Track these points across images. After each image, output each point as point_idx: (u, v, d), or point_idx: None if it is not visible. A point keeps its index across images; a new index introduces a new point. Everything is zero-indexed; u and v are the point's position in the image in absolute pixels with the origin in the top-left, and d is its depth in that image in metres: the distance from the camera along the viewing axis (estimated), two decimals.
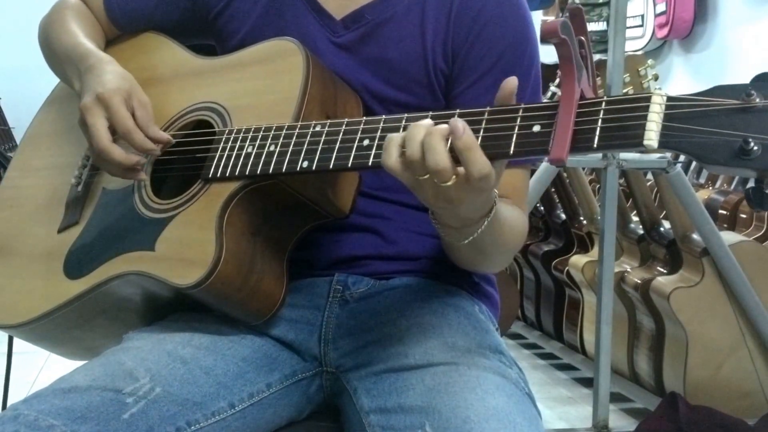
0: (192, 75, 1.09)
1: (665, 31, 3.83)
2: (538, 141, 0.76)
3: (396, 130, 0.83)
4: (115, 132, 1.00)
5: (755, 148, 0.66)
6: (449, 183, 0.76)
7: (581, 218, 2.94)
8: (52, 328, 1.09)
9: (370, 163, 0.85)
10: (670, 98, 0.70)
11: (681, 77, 3.96)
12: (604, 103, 0.73)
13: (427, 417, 0.85)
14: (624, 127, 0.71)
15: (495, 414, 0.84)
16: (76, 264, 1.05)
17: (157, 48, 1.15)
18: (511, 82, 0.79)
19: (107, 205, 1.07)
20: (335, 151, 0.87)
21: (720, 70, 3.65)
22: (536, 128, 0.76)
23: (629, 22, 3.56)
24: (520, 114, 0.77)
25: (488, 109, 0.79)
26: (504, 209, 0.90)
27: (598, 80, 2.61)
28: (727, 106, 0.68)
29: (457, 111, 0.81)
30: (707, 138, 0.68)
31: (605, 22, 4.18)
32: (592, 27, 4.27)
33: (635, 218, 2.64)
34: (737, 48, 3.55)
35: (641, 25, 3.98)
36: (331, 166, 0.87)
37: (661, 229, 2.53)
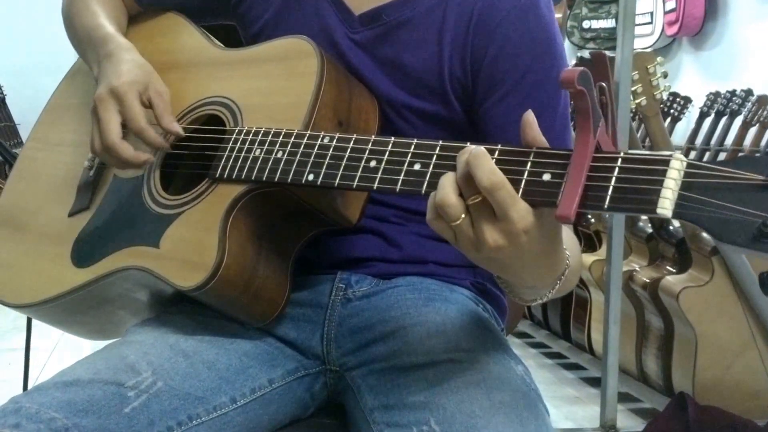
0: (208, 65, 1.09)
1: (675, 28, 3.81)
2: (547, 192, 0.71)
3: (405, 154, 0.80)
4: (125, 126, 1.00)
5: None
6: (458, 221, 0.71)
7: (589, 216, 2.93)
8: (56, 312, 1.09)
9: (375, 187, 0.81)
10: (689, 164, 0.66)
11: (690, 75, 3.93)
12: (620, 160, 0.69)
13: (432, 412, 0.84)
14: (638, 190, 0.67)
15: (501, 408, 0.83)
16: (83, 252, 1.05)
17: (178, 31, 1.15)
18: (529, 118, 0.73)
19: (117, 194, 1.07)
20: (341, 168, 0.85)
21: (730, 68, 3.63)
22: (546, 177, 0.71)
23: (638, 20, 3.55)
24: (531, 159, 0.72)
25: (499, 147, 0.74)
26: (572, 257, 0.83)
27: None
28: (749, 181, 0.63)
29: (468, 144, 0.75)
30: (725, 214, 0.63)
31: (614, 19, 4.16)
32: (600, 24, 4.25)
33: (644, 216, 2.63)
34: (748, 45, 3.53)
35: (650, 23, 3.96)
36: (336, 184, 0.85)
37: (671, 227, 2.51)
